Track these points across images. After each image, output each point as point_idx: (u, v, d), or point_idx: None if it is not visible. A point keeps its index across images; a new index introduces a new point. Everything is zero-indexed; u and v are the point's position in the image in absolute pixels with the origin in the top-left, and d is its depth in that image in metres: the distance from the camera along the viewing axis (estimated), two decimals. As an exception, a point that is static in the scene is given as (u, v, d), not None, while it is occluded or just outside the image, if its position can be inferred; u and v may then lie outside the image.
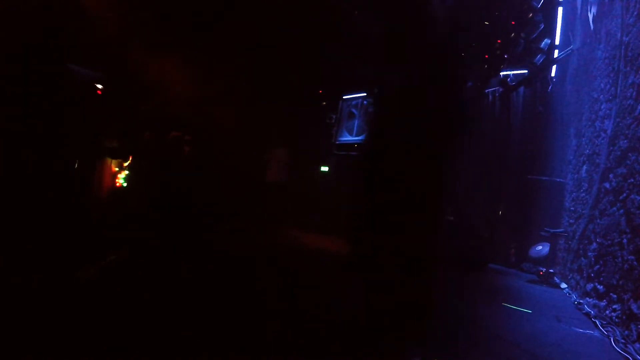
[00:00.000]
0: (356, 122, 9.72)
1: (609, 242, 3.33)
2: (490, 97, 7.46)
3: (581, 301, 3.80)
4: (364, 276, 3.48)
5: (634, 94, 3.22)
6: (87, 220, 4.36)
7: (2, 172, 3.79)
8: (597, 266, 3.57)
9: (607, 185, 3.63)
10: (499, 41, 6.30)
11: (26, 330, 1.92)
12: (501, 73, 6.78)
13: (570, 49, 5.93)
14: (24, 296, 2.31)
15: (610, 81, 3.92)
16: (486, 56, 6.52)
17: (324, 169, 8.57)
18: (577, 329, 3.01)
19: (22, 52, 4.01)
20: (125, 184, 5.96)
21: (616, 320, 2.96)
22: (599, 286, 3.46)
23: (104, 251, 3.48)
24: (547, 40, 5.87)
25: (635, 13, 3.41)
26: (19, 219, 3.55)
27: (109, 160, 5.88)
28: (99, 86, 5.81)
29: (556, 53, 6.17)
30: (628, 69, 3.45)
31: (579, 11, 5.71)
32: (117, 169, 6.02)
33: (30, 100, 4.03)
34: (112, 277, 2.99)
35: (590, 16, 4.89)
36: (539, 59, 5.98)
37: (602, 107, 4.11)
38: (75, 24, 4.88)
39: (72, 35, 4.83)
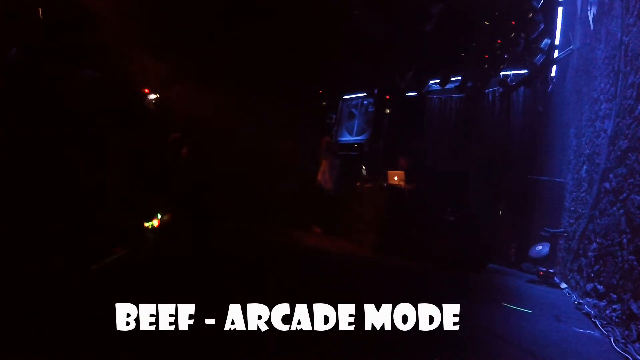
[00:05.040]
0: (356, 122, 9.75)
1: (609, 242, 3.33)
2: (490, 97, 7.47)
3: (581, 301, 3.80)
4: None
5: (634, 94, 3.22)
6: (91, 217, 4.35)
7: (12, 171, 3.80)
8: (597, 266, 3.57)
9: (607, 185, 3.63)
10: (499, 41, 6.31)
11: (34, 325, 1.92)
12: (501, 73, 6.79)
13: (570, 49, 5.93)
14: (35, 290, 2.32)
15: (610, 81, 3.92)
16: (486, 56, 6.53)
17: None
18: (577, 329, 3.01)
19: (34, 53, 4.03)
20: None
21: (616, 320, 2.96)
22: (599, 286, 3.46)
23: (107, 248, 3.48)
24: (547, 40, 5.87)
25: (635, 13, 3.41)
26: (26, 217, 3.56)
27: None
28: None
29: (556, 53, 6.17)
30: (628, 69, 3.45)
31: (579, 11, 5.71)
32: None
33: (41, 101, 4.05)
34: (116, 274, 3.00)
35: (590, 16, 4.89)
36: (539, 59, 5.98)
37: (602, 107, 4.11)
38: (81, 25, 4.91)
39: (78, 37, 4.85)
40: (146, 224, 4.58)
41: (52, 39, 4.42)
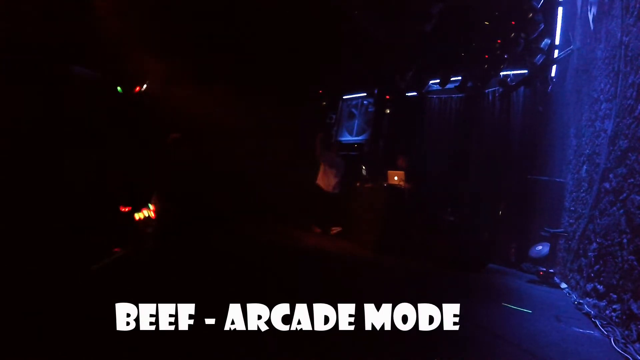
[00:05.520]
0: (356, 122, 9.75)
1: (609, 242, 3.33)
2: (490, 97, 7.47)
3: (581, 301, 3.80)
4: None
5: (634, 94, 3.22)
6: (91, 217, 4.35)
7: (12, 171, 3.80)
8: (597, 266, 3.57)
9: (607, 185, 3.64)
10: (499, 41, 6.32)
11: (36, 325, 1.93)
12: (501, 73, 6.79)
13: (570, 49, 5.93)
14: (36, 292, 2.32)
15: (610, 81, 3.93)
16: (486, 56, 6.53)
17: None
18: (577, 329, 3.01)
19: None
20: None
21: (616, 320, 2.96)
22: (599, 286, 3.46)
23: (107, 248, 3.47)
24: (547, 40, 5.88)
25: (635, 13, 3.41)
26: (26, 217, 3.56)
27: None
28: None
29: (556, 53, 6.17)
30: (628, 69, 3.45)
31: (579, 11, 5.71)
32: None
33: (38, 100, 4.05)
34: (116, 274, 3.00)
35: (590, 16, 4.89)
36: (539, 59, 5.98)
37: (602, 107, 4.11)
38: (77, 24, 4.89)
39: (74, 35, 4.83)
40: (137, 216, 4.53)
41: (52, 39, 4.42)
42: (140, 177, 5.37)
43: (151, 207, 4.64)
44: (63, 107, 4.59)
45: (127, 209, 4.59)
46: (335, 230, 6.90)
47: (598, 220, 3.75)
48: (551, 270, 5.04)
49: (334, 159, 7.26)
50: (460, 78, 7.18)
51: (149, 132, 6.14)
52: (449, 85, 7.46)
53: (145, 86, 5.96)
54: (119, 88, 5.58)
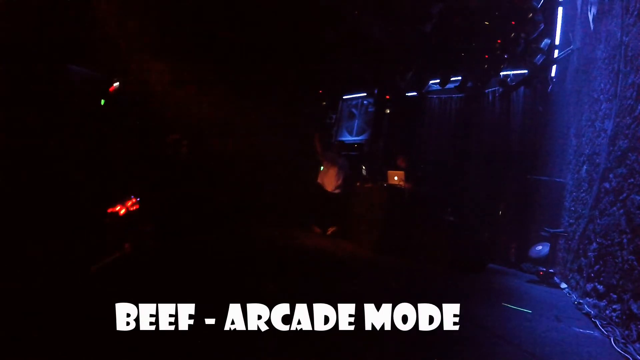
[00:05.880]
0: (356, 122, 9.75)
1: (609, 242, 3.33)
2: (490, 97, 7.47)
3: (581, 301, 3.80)
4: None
5: (634, 94, 3.22)
6: (90, 217, 4.34)
7: (9, 171, 3.80)
8: (597, 266, 3.57)
9: (607, 185, 3.64)
10: (499, 41, 6.32)
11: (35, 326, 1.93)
12: (501, 73, 6.79)
13: (570, 49, 5.93)
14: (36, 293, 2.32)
15: (610, 81, 3.93)
16: (486, 56, 6.54)
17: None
18: (577, 329, 3.01)
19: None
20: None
21: (616, 320, 2.96)
22: (599, 286, 3.46)
23: (107, 248, 3.47)
24: (547, 40, 5.89)
25: (635, 13, 3.41)
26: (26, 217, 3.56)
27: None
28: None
29: (556, 53, 6.17)
30: (628, 69, 3.45)
31: (579, 11, 5.71)
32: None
33: (35, 101, 4.04)
34: (116, 274, 3.00)
35: (590, 16, 4.89)
36: (539, 59, 5.99)
37: (602, 107, 4.11)
38: (77, 23, 4.89)
39: (74, 35, 4.83)
40: (110, 209, 4.45)
41: (50, 38, 4.41)
42: (133, 175, 5.35)
43: (128, 202, 4.55)
44: (62, 107, 4.59)
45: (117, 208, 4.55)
46: (331, 230, 6.89)
47: (598, 220, 3.75)
48: (551, 270, 5.04)
49: (335, 158, 7.24)
50: (460, 78, 7.18)
51: (137, 129, 6.10)
52: (449, 85, 7.46)
53: (117, 84, 5.87)
54: (102, 101, 5.53)
